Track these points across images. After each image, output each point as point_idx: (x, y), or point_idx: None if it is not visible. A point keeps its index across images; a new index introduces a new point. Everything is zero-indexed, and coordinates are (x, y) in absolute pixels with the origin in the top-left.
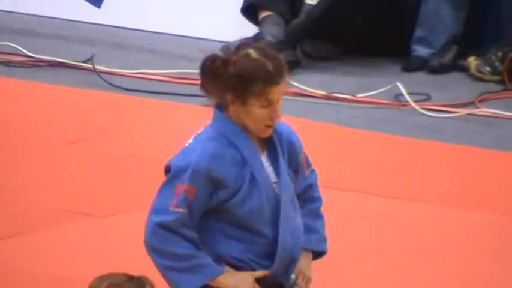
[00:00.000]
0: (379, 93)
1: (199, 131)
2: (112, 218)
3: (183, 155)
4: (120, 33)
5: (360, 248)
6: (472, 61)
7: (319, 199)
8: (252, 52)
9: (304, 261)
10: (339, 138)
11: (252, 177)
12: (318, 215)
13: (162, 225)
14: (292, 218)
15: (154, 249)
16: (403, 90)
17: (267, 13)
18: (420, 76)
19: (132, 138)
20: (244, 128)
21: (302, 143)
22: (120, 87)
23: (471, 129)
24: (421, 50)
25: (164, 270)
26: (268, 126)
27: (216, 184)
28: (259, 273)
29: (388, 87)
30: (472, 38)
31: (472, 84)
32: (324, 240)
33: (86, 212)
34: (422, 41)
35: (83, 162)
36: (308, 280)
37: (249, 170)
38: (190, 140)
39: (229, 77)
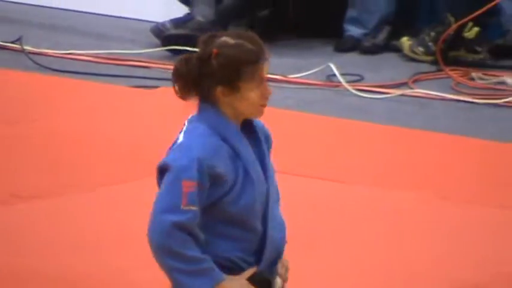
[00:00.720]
0: (311, 74)
1: (186, 126)
2: (49, 200)
3: (181, 152)
4: (48, 14)
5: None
6: (405, 41)
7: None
8: (227, 39)
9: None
10: (270, 120)
11: (245, 173)
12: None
13: (176, 226)
14: (277, 214)
15: (165, 251)
16: (335, 71)
17: None
18: (353, 57)
19: (62, 118)
20: (234, 121)
21: None
22: (49, 68)
23: (404, 110)
24: (353, 30)
25: (174, 272)
26: (263, 105)
27: (215, 180)
28: (248, 273)
29: (320, 68)
30: (405, 18)
31: (405, 64)
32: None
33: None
34: (355, 21)
35: (16, 142)
36: (287, 269)
37: (242, 164)
38: (181, 137)
39: (215, 71)
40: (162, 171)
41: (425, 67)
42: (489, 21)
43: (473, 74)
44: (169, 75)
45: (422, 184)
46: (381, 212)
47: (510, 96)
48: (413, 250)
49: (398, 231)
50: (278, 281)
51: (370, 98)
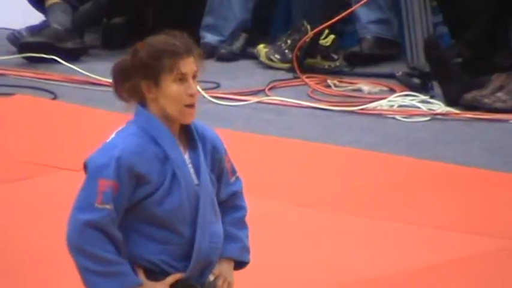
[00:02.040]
0: None
1: (121, 127)
2: None
3: (103, 151)
4: None
5: None
6: (262, 49)
7: (243, 208)
8: (158, 36)
9: (226, 267)
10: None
11: (174, 175)
12: (242, 225)
13: (89, 224)
14: (211, 222)
15: (77, 249)
16: None
17: (54, 0)
18: (209, 64)
19: None
20: (167, 124)
21: None
22: None
23: (260, 117)
24: (210, 38)
25: (83, 271)
26: (188, 106)
27: (138, 180)
28: (172, 278)
29: None
30: (261, 26)
31: (261, 72)
32: (247, 250)
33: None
34: (211, 28)
35: None
36: (229, 284)
37: (171, 167)
38: (111, 136)
39: (138, 62)
40: (84, 168)
41: (282, 74)
42: (345, 29)
43: (330, 82)
44: (26, 83)
45: (279, 191)
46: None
47: (365, 104)
48: (285, 252)
49: (259, 238)
50: None
51: (227, 105)
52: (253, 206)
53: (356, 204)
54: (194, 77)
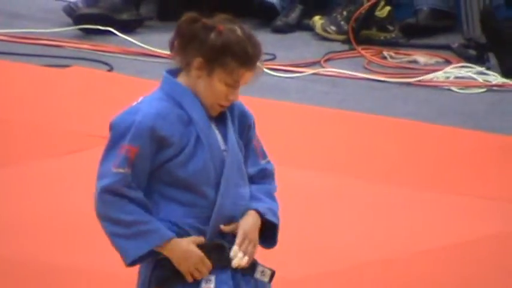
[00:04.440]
0: None
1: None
2: None
3: (127, 114)
4: None
5: None
6: (318, 20)
7: (274, 185)
8: (237, 29)
9: (250, 220)
10: None
11: (197, 137)
12: (273, 198)
13: (106, 190)
14: (236, 185)
15: (101, 216)
16: None
17: None
18: (265, 35)
19: None
20: (195, 93)
21: None
22: None
23: (316, 88)
24: None
25: (111, 236)
26: (221, 106)
27: (160, 143)
28: (196, 239)
29: None
30: None
31: (317, 43)
32: (274, 214)
33: None
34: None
35: None
36: (254, 244)
37: (195, 129)
38: (139, 99)
39: (209, 44)
40: (109, 129)
41: (338, 46)
42: (401, 0)
43: (385, 53)
44: (82, 54)
45: (335, 164)
46: (299, 192)
47: (421, 75)
48: (341, 226)
49: (317, 212)
50: (236, 250)
51: (283, 77)
52: (306, 179)
53: (413, 177)
54: (242, 85)
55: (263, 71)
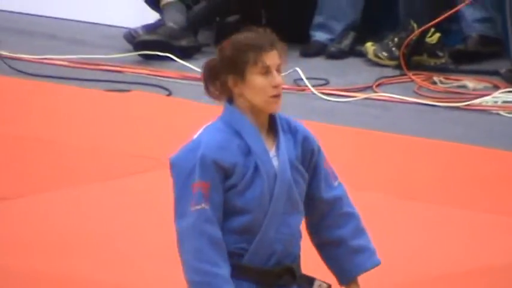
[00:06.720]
0: None
1: (210, 123)
2: (22, 200)
3: (188, 151)
4: (25, 20)
5: None
6: (370, 46)
7: (354, 215)
8: (242, 33)
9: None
10: None
11: (256, 166)
12: (361, 232)
13: (186, 230)
14: (285, 212)
15: (181, 258)
16: (302, 75)
17: (169, 0)
18: (319, 61)
19: (36, 121)
20: (254, 117)
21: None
22: (24, 73)
23: (368, 113)
24: (320, 36)
25: (187, 281)
26: (274, 97)
27: (224, 174)
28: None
29: (287, 72)
30: (369, 25)
31: (369, 69)
32: (374, 253)
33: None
34: (322, 27)
35: None
36: None
37: (254, 159)
38: (199, 132)
39: (224, 58)
40: (170, 167)
41: (389, 71)
42: (450, 27)
43: (435, 78)
44: (142, 79)
45: (387, 185)
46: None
47: (470, 100)
48: (387, 245)
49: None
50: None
51: (336, 101)
52: (360, 200)
53: (461, 198)
54: (278, 70)
55: (287, 50)
